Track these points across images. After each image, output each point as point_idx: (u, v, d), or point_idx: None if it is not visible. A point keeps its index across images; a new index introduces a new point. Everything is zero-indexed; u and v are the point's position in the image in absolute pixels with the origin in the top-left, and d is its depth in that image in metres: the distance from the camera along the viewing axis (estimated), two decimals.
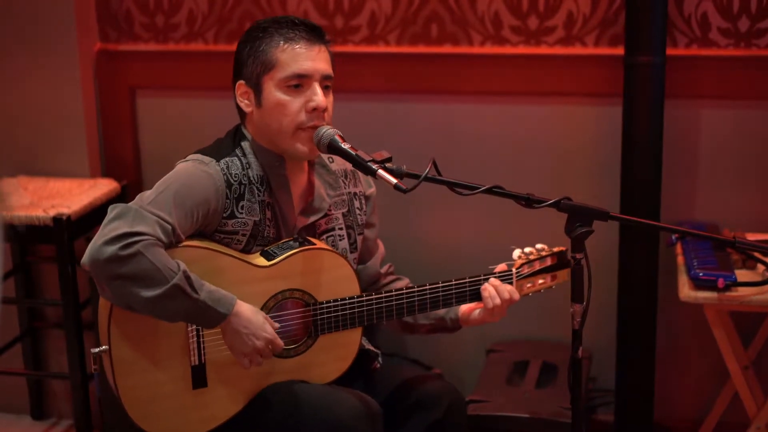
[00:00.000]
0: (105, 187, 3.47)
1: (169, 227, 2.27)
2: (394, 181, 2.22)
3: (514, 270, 2.52)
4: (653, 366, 3.23)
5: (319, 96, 2.38)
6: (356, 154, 2.30)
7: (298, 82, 2.38)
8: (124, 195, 3.53)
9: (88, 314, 3.39)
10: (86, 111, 3.56)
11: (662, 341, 3.30)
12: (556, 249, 2.61)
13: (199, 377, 2.37)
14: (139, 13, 3.56)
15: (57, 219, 3.21)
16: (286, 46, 2.39)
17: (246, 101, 2.44)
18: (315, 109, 2.38)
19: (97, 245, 2.22)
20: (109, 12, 3.58)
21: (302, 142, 2.39)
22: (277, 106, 2.39)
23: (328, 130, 2.36)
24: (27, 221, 3.21)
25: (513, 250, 2.56)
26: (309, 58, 2.39)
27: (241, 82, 2.44)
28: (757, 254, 2.84)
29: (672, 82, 3.10)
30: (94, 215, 3.35)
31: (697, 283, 2.80)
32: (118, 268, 2.20)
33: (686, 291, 2.81)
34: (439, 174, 2.28)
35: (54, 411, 3.76)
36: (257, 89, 2.41)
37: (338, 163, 2.58)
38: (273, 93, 2.39)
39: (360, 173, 2.62)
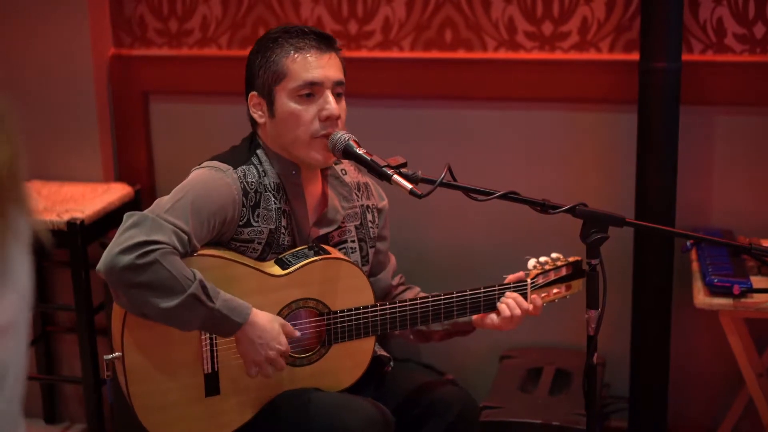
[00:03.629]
0: (118, 191, 3.47)
1: (186, 237, 2.25)
2: (409, 186, 2.21)
3: (529, 281, 2.51)
4: (667, 372, 3.21)
5: (331, 104, 2.37)
6: (371, 159, 2.29)
7: (310, 91, 2.37)
8: (138, 200, 3.53)
9: (102, 319, 3.39)
10: (100, 116, 3.56)
11: (676, 347, 3.28)
12: (571, 259, 2.59)
13: (212, 385, 2.36)
14: (153, 19, 3.57)
15: (71, 223, 3.21)
16: (296, 55, 2.38)
17: (259, 112, 2.43)
18: (328, 118, 2.37)
19: (114, 253, 2.20)
20: (123, 17, 3.59)
21: (317, 150, 2.38)
22: (290, 116, 2.38)
23: (342, 135, 2.36)
24: (41, 225, 3.21)
25: (528, 260, 2.55)
26: (319, 66, 2.38)
27: (254, 93, 2.43)
28: None
29: (687, 88, 3.09)
30: (107, 220, 3.36)
31: (713, 290, 2.79)
32: (135, 277, 2.19)
33: (701, 297, 2.80)
34: (455, 179, 2.27)
35: (67, 415, 3.77)
36: (269, 100, 2.40)
37: (351, 176, 2.57)
38: (285, 103, 2.38)
39: (372, 186, 2.61)
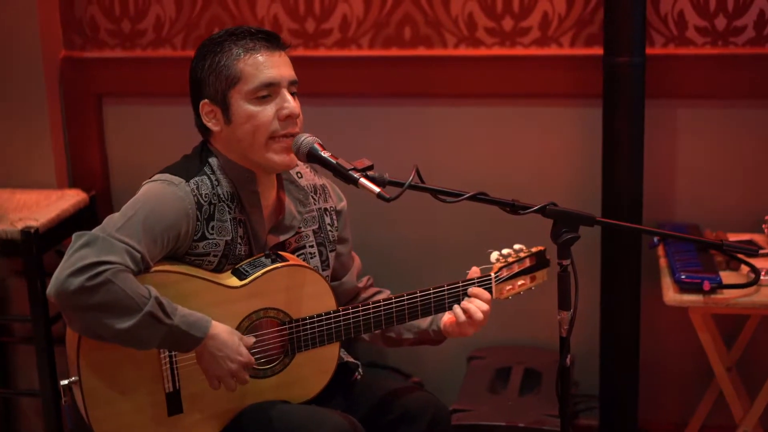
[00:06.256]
0: (73, 198, 3.39)
1: (138, 255, 2.18)
2: (377, 189, 2.15)
3: (492, 275, 2.46)
4: (637, 370, 3.20)
5: (290, 102, 2.31)
6: (337, 163, 2.23)
7: (267, 92, 2.30)
8: (93, 206, 3.46)
9: (59, 329, 3.30)
10: (52, 120, 3.48)
11: (645, 343, 3.27)
12: (534, 249, 2.55)
13: (174, 404, 2.30)
14: (105, 19, 3.49)
15: (25, 232, 3.13)
16: (247, 56, 2.30)
17: (213, 120, 2.34)
18: (289, 116, 2.31)
19: (64, 276, 2.11)
20: (74, 18, 3.51)
21: (277, 153, 2.32)
22: (248, 119, 2.30)
23: (306, 138, 2.30)
24: None
25: (491, 253, 2.50)
26: (273, 65, 2.31)
27: (205, 101, 2.33)
28: (740, 255, 2.82)
29: (650, 82, 3.07)
30: (62, 227, 3.28)
31: (682, 286, 2.77)
32: (88, 299, 2.11)
33: (671, 294, 2.78)
34: (422, 181, 2.23)
35: (24, 428, 3.68)
36: (224, 105, 2.31)
37: (307, 178, 2.52)
38: (242, 106, 2.30)
39: (330, 187, 2.56)
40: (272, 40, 2.34)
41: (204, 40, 2.39)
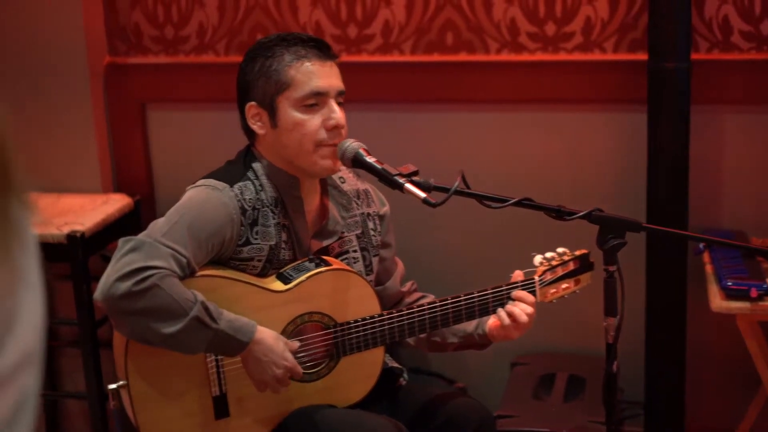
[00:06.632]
0: (118, 202, 3.42)
1: (184, 260, 2.20)
2: (422, 195, 2.16)
3: (536, 278, 2.45)
4: (683, 377, 3.17)
5: (338, 113, 2.32)
6: (382, 168, 2.24)
7: (315, 101, 2.32)
8: (137, 210, 3.48)
9: (105, 332, 3.33)
10: (97, 125, 3.51)
11: (691, 351, 3.23)
12: (578, 252, 2.53)
13: (221, 407, 2.32)
14: (149, 26, 3.52)
15: (71, 236, 3.16)
16: (298, 64, 2.31)
17: (259, 123, 2.36)
18: (335, 127, 2.32)
19: (111, 281, 2.14)
20: (118, 25, 3.53)
21: (322, 158, 2.33)
22: (295, 126, 2.31)
23: (352, 144, 2.31)
24: (40, 239, 3.16)
25: (534, 256, 2.49)
26: (323, 75, 2.33)
27: (252, 103, 2.35)
28: None
29: (694, 88, 3.04)
30: (107, 232, 3.30)
31: (728, 293, 2.75)
32: (134, 304, 2.14)
33: (718, 301, 2.76)
34: (468, 187, 2.23)
35: (70, 431, 3.70)
36: (271, 110, 2.33)
37: (350, 183, 2.52)
38: (289, 113, 2.32)
39: (373, 192, 2.56)
40: (323, 49, 2.36)
41: (254, 43, 2.40)
